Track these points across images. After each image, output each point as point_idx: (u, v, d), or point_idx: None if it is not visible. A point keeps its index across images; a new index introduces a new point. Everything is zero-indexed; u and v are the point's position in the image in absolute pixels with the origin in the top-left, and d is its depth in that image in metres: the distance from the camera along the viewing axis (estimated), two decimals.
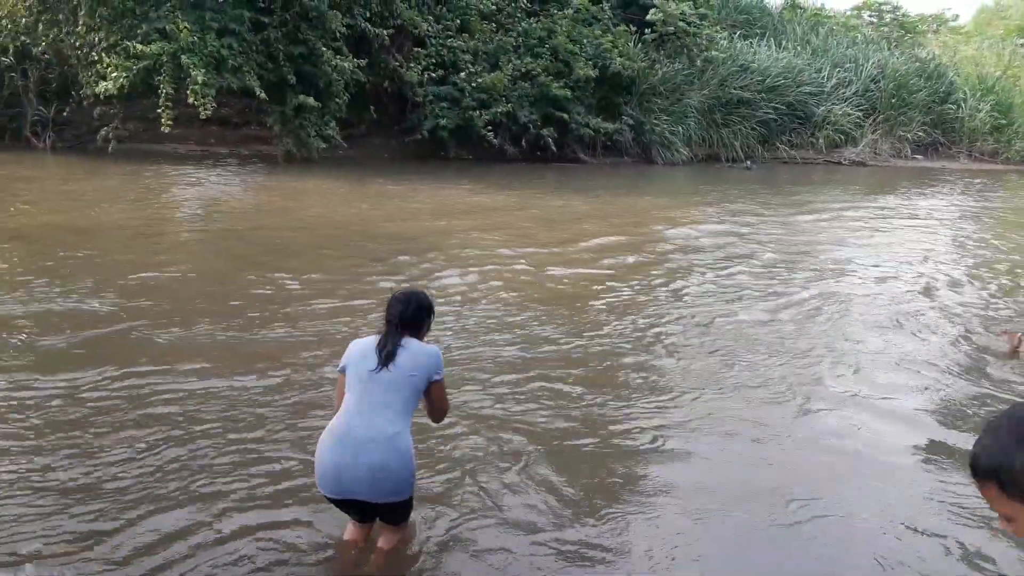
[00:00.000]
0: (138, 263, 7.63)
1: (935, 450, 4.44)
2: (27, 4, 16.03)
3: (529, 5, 20.37)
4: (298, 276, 7.34)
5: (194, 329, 5.67)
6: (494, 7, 19.51)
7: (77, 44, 15.98)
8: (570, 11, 19.97)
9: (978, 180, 21.56)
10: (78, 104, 17.87)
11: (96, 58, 15.61)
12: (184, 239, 9.63)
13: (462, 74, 18.32)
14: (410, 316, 3.16)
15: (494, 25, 19.56)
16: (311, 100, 15.82)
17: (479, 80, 18.19)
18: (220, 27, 15.25)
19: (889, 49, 26.82)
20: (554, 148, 18.93)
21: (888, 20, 35.44)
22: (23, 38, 16.57)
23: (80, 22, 15.03)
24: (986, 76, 27.25)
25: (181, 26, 14.55)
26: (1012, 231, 13.25)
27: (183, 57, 14.45)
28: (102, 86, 15.31)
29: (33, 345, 5.21)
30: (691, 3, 21.77)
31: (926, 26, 38.59)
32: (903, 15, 36.69)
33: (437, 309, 3.49)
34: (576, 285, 7.67)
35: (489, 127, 18.09)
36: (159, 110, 15.09)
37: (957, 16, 42.01)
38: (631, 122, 20.22)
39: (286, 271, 7.51)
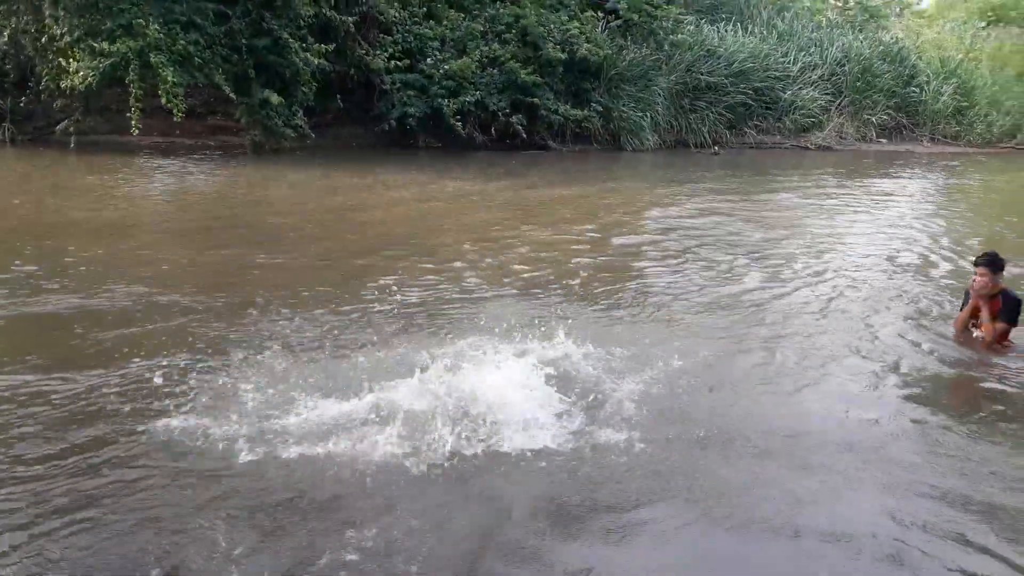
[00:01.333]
0: (123, 259, 7.54)
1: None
2: None
3: None
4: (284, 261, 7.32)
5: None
6: None
7: (39, 37, 15.64)
8: None
9: (943, 162, 21.88)
10: (36, 96, 17.54)
11: (59, 52, 15.32)
12: (163, 232, 9.51)
13: (428, 60, 18.22)
14: None
15: (461, 12, 19.46)
16: (275, 96, 15.65)
17: (446, 67, 18.10)
18: (186, 20, 15.02)
19: (854, 33, 27.03)
20: (523, 135, 18.93)
21: (853, 4, 35.87)
22: None
23: (46, 14, 14.64)
24: (948, 59, 27.59)
25: (149, 23, 14.28)
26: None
27: (152, 55, 14.21)
28: (67, 82, 15.07)
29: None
30: None
31: (890, 10, 39.09)
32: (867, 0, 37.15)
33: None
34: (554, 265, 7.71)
35: (458, 116, 18.04)
36: (129, 113, 14.87)
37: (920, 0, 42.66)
38: (600, 109, 20.25)
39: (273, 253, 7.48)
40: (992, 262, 5.61)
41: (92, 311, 5.98)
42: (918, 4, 42.36)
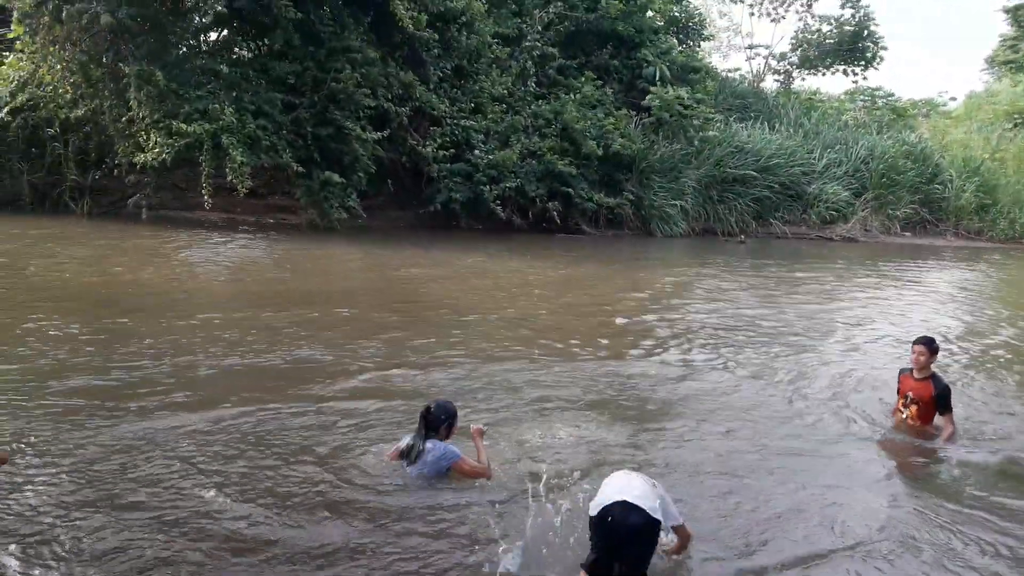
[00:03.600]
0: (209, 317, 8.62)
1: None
2: (71, 81, 17.42)
3: (538, 89, 21.86)
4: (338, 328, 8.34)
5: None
6: (505, 92, 20.96)
7: (120, 118, 17.28)
8: (578, 95, 21.39)
9: (966, 256, 22.56)
10: (111, 173, 19.18)
11: (138, 132, 16.90)
12: (226, 301, 10.63)
13: (475, 151, 19.63)
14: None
15: (505, 107, 20.99)
16: (336, 176, 17.09)
17: (490, 157, 19.49)
18: (255, 108, 16.59)
19: (879, 132, 28.19)
20: (559, 220, 20.13)
21: (880, 105, 37.24)
22: (65, 111, 17.93)
23: (131, 99, 16.26)
24: (972, 159, 28.57)
25: (224, 108, 15.82)
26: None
27: (223, 137, 15.71)
28: (141, 157, 16.57)
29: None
30: (688, 89, 23.28)
31: (916, 110, 40.39)
32: (894, 100, 38.54)
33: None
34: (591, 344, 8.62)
35: (498, 200, 19.33)
36: (202, 188, 16.28)
37: (947, 101, 43.95)
38: (631, 197, 21.47)
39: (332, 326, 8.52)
40: (930, 343, 6.14)
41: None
42: (944, 106, 43.74)
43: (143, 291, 10.42)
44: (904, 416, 6.28)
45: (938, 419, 6.15)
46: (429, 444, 4.79)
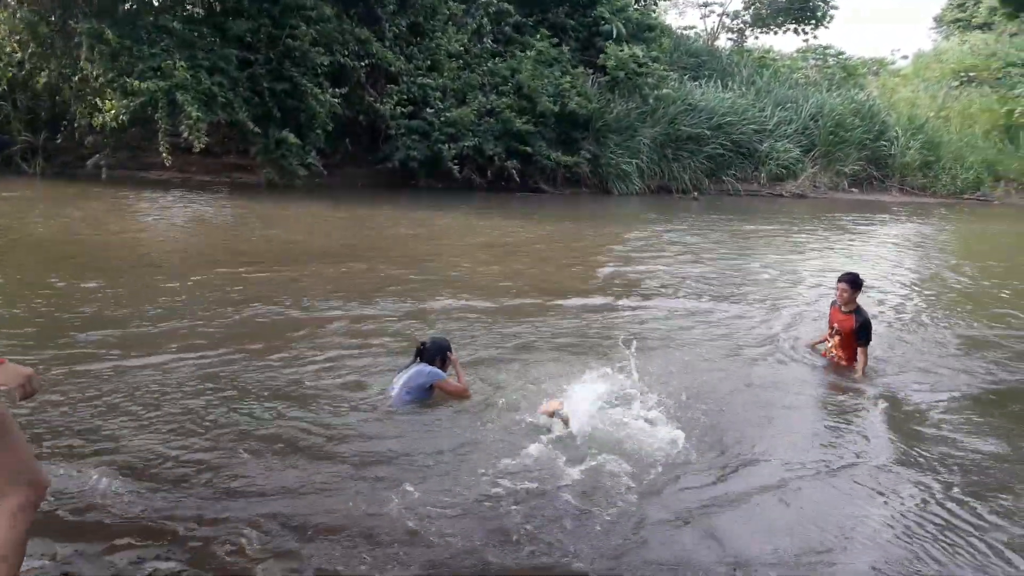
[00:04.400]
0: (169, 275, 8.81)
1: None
2: (17, 40, 17.12)
3: (494, 46, 21.95)
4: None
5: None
6: (462, 48, 21.02)
7: (73, 77, 17.07)
8: (532, 53, 21.54)
9: (913, 211, 23.39)
10: (68, 133, 18.94)
11: (92, 91, 16.73)
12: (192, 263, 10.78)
13: (431, 109, 19.74)
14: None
15: (462, 63, 21.07)
16: (292, 136, 17.09)
17: (447, 115, 19.62)
18: (210, 65, 16.50)
19: (828, 91, 28.84)
20: (517, 179, 20.41)
21: (831, 63, 37.93)
22: (12, 71, 17.63)
23: (83, 58, 16.08)
24: (917, 116, 29.43)
25: (177, 65, 15.73)
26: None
27: (178, 94, 15.63)
28: (100, 118, 16.43)
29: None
30: (644, 47, 23.56)
31: (866, 69, 41.17)
32: (845, 59, 39.24)
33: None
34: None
35: (456, 160, 19.52)
36: (160, 146, 16.23)
37: (897, 59, 44.78)
38: (588, 156, 21.81)
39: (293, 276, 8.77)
40: (853, 280, 6.61)
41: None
42: (893, 64, 44.61)
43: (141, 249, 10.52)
44: (830, 345, 6.85)
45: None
46: (414, 369, 5.19)
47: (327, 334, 6.80)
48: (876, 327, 7.06)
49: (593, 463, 4.37)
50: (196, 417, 4.78)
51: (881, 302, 9.54)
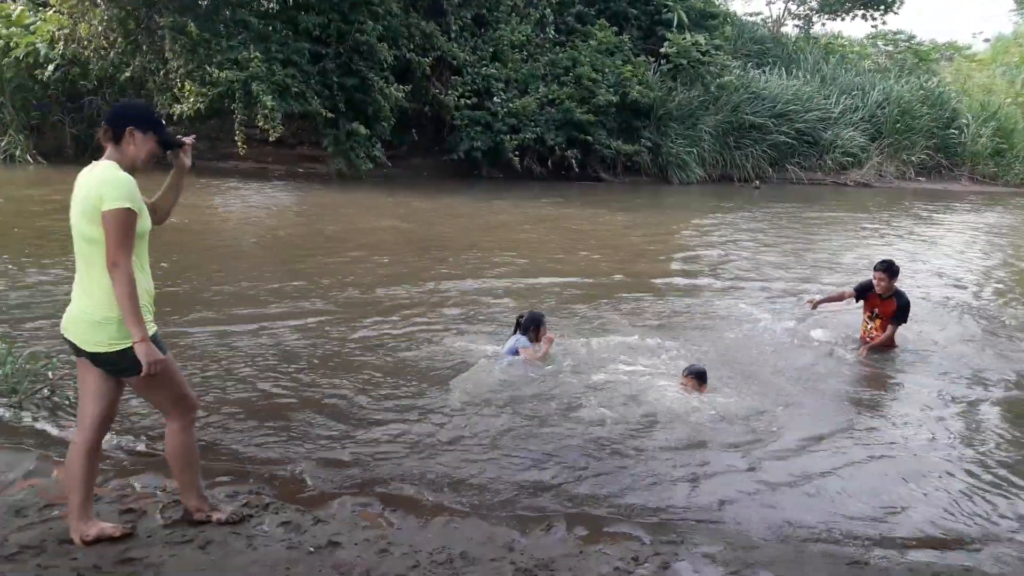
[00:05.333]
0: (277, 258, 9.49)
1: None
2: (111, 38, 18.15)
3: (556, 36, 22.27)
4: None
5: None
6: (524, 39, 21.40)
7: (157, 70, 18.05)
8: (593, 43, 21.79)
9: (984, 201, 22.90)
10: None
11: (174, 83, 17.67)
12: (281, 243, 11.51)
13: (495, 99, 20.20)
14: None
15: (524, 54, 21.46)
16: (362, 128, 17.80)
17: (510, 105, 20.07)
18: (284, 58, 17.27)
19: (896, 78, 28.27)
20: (577, 168, 20.74)
21: (903, 48, 36.94)
22: (107, 67, 18.68)
23: (167, 50, 17.03)
24: (990, 103, 28.63)
25: (252, 56, 16.53)
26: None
27: (254, 84, 16.43)
28: (178, 108, 17.37)
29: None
30: (706, 35, 23.56)
31: (940, 54, 39.98)
32: (916, 43, 38.18)
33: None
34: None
35: (517, 150, 19.96)
36: (235, 135, 17.09)
37: (973, 44, 43.34)
38: (649, 144, 21.98)
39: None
40: (889, 268, 6.85)
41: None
42: (970, 48, 43.23)
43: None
44: (869, 327, 7.10)
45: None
46: (514, 337, 6.20)
47: (446, 305, 7.88)
48: (940, 311, 7.71)
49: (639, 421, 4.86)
50: (307, 377, 5.48)
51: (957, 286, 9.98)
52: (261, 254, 10.48)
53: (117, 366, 3.09)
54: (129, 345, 3.01)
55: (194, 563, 3.12)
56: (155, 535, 3.29)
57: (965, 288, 10.23)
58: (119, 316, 2.99)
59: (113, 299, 2.97)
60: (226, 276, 8.63)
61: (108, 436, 3.75)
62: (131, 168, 3.10)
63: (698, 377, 5.61)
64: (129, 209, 2.96)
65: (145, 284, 3.13)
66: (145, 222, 3.11)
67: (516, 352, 6.07)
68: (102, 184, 2.98)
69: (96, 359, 3.09)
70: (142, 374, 3.01)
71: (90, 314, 3.04)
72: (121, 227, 2.94)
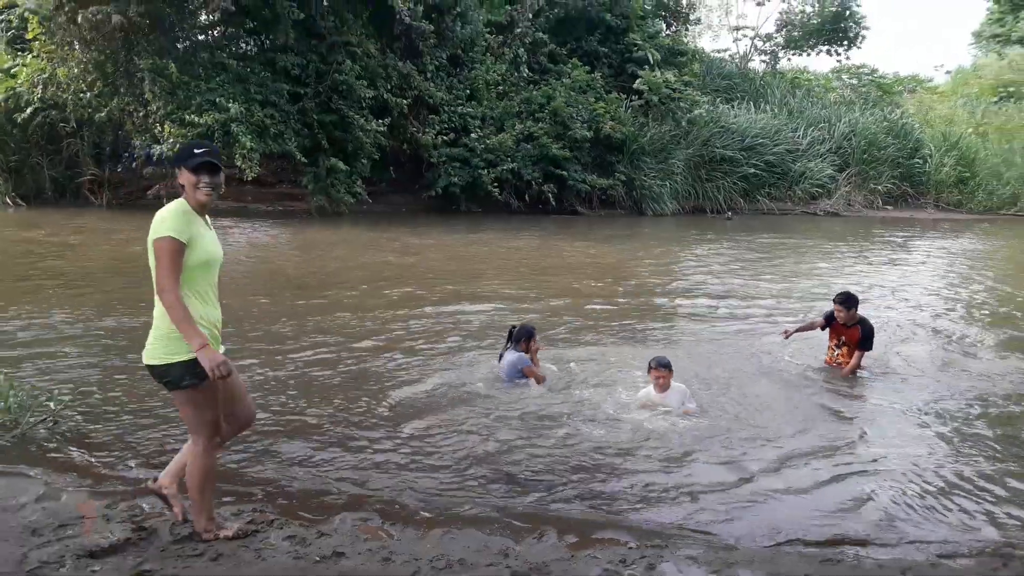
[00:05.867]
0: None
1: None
2: (89, 80, 18.37)
3: (531, 75, 22.82)
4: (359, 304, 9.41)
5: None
6: (499, 77, 21.93)
7: (136, 112, 18.27)
8: (568, 80, 22.37)
9: (944, 227, 23.56)
10: (128, 166, 20.20)
11: (153, 125, 17.89)
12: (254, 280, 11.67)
13: (472, 135, 20.63)
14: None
15: (500, 92, 21.97)
16: (341, 164, 18.10)
17: (487, 141, 20.50)
18: (263, 99, 17.58)
19: (861, 110, 29.16)
20: (554, 202, 21.16)
21: (865, 82, 38.09)
22: (85, 110, 18.89)
23: (146, 92, 17.27)
24: (952, 133, 29.56)
25: (232, 100, 16.81)
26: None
27: (232, 125, 16.69)
28: (158, 149, 17.58)
29: None
30: (676, 71, 24.25)
31: (902, 86, 41.23)
32: (879, 77, 39.39)
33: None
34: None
35: (495, 183, 20.35)
36: None
37: (933, 76, 44.75)
38: (623, 178, 22.48)
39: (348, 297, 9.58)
40: (846, 300, 7.08)
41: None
42: (931, 81, 44.63)
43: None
44: (836, 354, 7.34)
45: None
46: (510, 354, 6.38)
47: (445, 328, 8.22)
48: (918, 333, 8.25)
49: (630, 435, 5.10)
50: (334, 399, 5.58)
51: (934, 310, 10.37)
52: (276, 291, 10.60)
53: (162, 378, 3.33)
54: (172, 361, 3.24)
55: (207, 574, 3.29)
56: (167, 549, 3.46)
57: (945, 313, 10.56)
58: (167, 332, 3.20)
59: (163, 318, 3.20)
60: (244, 313, 8.72)
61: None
62: (195, 203, 3.29)
63: (667, 367, 5.81)
64: (173, 238, 3.14)
65: (205, 311, 3.32)
66: (200, 252, 3.26)
67: (520, 372, 6.27)
68: (156, 218, 3.21)
69: (151, 372, 3.34)
70: (209, 379, 3.21)
71: (152, 332, 3.29)
72: (166, 255, 3.13)
